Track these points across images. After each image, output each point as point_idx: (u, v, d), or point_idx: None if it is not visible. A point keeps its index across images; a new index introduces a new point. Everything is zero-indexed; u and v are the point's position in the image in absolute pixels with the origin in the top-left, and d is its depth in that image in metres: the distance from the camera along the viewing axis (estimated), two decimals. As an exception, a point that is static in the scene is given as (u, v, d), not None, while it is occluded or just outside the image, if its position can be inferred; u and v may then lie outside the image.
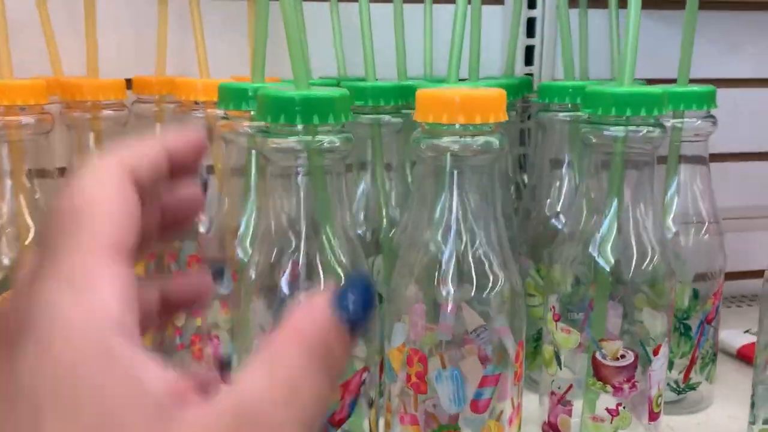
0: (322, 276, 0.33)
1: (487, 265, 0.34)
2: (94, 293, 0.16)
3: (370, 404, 0.35)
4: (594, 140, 0.40)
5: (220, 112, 0.50)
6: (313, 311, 0.17)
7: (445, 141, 0.33)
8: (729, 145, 0.68)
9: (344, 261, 0.34)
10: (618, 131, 0.38)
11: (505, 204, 0.50)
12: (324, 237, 0.33)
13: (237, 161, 0.43)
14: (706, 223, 0.48)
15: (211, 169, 0.52)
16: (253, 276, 0.35)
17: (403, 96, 0.46)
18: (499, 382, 0.34)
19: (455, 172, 0.34)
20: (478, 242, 0.34)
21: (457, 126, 0.32)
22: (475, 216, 0.34)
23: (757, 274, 0.71)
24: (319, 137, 0.32)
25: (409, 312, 0.35)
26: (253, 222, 0.43)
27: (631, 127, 0.38)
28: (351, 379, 0.34)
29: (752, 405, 0.42)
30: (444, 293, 0.34)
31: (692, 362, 0.49)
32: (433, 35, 0.59)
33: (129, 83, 0.54)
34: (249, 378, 0.16)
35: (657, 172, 0.40)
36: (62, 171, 0.51)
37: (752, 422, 0.42)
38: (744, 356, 0.57)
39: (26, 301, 0.16)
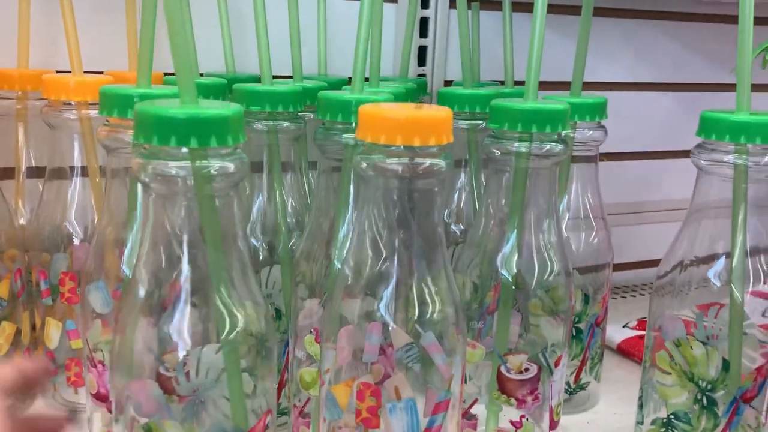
0: (210, 300, 0.30)
1: (427, 292, 0.33)
2: None
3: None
4: (498, 154, 0.39)
5: (96, 114, 0.45)
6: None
7: (389, 162, 0.31)
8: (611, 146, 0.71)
9: (235, 282, 0.31)
10: (522, 147, 0.38)
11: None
12: (211, 258, 0.30)
13: (117, 168, 0.39)
14: (594, 221, 0.50)
15: (84, 171, 0.47)
16: (141, 296, 0.31)
17: (302, 100, 0.44)
18: (449, 407, 0.33)
19: (397, 193, 0.32)
20: (417, 266, 0.33)
21: (400, 147, 0.30)
22: (416, 237, 0.33)
23: (636, 265, 0.77)
24: (208, 162, 0.28)
25: (339, 336, 0.34)
26: (137, 238, 0.39)
27: (535, 143, 0.38)
28: (255, 427, 0.31)
29: (640, 405, 0.44)
30: (383, 315, 0.33)
31: (583, 363, 0.51)
32: (327, 30, 0.57)
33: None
34: None
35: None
36: None
37: (640, 422, 0.44)
38: (624, 351, 0.60)
39: None
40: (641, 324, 0.62)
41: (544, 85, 0.45)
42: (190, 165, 0.28)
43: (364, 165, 0.32)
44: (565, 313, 0.41)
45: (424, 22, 0.63)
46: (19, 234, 0.48)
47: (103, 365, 0.39)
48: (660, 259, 0.43)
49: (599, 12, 0.67)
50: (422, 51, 0.64)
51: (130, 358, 0.31)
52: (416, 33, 0.62)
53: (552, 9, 0.64)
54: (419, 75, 0.64)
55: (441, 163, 0.31)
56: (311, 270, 0.43)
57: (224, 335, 0.31)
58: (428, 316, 0.34)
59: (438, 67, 0.64)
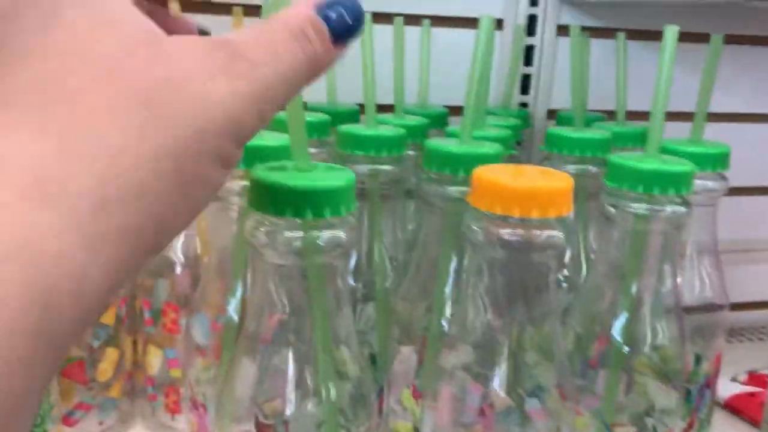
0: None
1: (535, 362, 0.32)
2: None
3: None
4: (614, 212, 0.37)
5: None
6: (298, 8, 0.20)
7: (503, 233, 0.30)
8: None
9: (340, 342, 0.31)
10: (641, 209, 0.36)
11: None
12: (318, 328, 0.30)
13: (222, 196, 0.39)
14: (708, 262, 0.46)
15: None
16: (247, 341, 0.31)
17: (405, 142, 0.43)
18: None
19: (511, 264, 0.31)
20: (527, 336, 0.32)
21: (514, 218, 0.29)
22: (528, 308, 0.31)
23: (746, 306, 0.72)
24: (319, 233, 0.28)
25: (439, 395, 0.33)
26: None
27: (656, 206, 0.36)
28: None
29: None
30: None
31: (690, 426, 0.47)
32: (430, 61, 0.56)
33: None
34: (235, 34, 0.19)
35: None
36: None
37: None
38: (732, 408, 0.56)
39: None
40: (752, 378, 0.58)
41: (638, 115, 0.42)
42: (303, 234, 0.28)
43: (475, 232, 0.31)
44: (678, 377, 0.38)
45: (528, 49, 0.61)
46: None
47: (205, 408, 0.39)
48: None
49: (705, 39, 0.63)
50: (525, 79, 0.62)
51: (232, 401, 0.32)
52: (521, 62, 0.60)
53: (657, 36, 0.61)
54: (521, 104, 0.62)
55: (558, 234, 0.30)
56: (408, 313, 0.42)
57: (327, 400, 0.30)
58: (534, 383, 0.32)
59: (542, 96, 0.62)
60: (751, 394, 0.56)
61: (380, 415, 0.45)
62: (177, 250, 0.48)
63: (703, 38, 0.46)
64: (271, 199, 0.27)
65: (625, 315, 0.38)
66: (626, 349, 0.37)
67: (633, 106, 0.55)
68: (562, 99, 0.63)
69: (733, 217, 0.68)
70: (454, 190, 0.37)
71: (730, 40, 0.45)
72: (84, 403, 0.47)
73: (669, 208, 0.36)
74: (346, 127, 0.43)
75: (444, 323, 0.39)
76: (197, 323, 0.43)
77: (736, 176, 0.46)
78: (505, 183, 0.29)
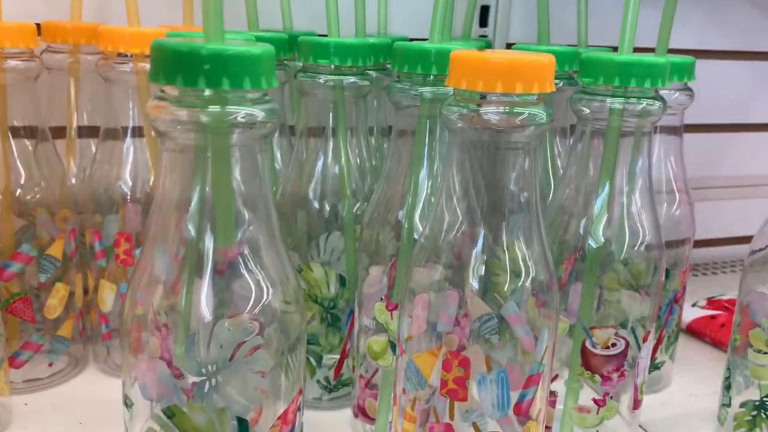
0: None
1: (521, 257, 0.30)
2: None
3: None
4: (587, 112, 0.37)
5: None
6: None
7: (484, 112, 0.28)
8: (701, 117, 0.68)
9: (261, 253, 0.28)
10: (616, 103, 0.35)
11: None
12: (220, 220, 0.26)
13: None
14: (678, 194, 0.47)
15: (140, 131, 0.45)
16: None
17: (370, 55, 0.41)
18: (541, 380, 0.31)
19: (491, 148, 0.29)
20: (512, 231, 0.30)
21: (496, 95, 0.28)
22: (515, 194, 0.30)
23: (706, 243, 0.73)
24: (231, 107, 0.24)
25: (414, 304, 0.31)
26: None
27: (631, 99, 0.35)
28: (288, 408, 0.29)
29: (727, 387, 0.41)
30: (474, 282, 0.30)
31: (659, 341, 0.48)
32: (387, -11, 0.54)
33: (38, 29, 0.46)
34: None
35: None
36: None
37: (726, 404, 0.41)
38: (695, 331, 0.57)
39: None
40: (711, 303, 0.59)
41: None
42: (218, 110, 0.24)
43: (453, 116, 0.29)
44: (655, 287, 0.38)
45: (486, -19, 0.60)
46: (71, 194, 0.46)
47: (167, 328, 0.37)
48: (726, 237, 0.40)
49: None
50: (484, 11, 0.61)
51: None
52: (479, -8, 0.59)
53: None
54: (480, 35, 0.61)
55: (542, 113, 0.28)
56: (376, 236, 0.41)
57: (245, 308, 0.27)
58: (520, 283, 0.31)
59: (501, 29, 0.61)
60: (712, 317, 0.57)
61: (350, 337, 0.43)
62: (128, 182, 0.46)
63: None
64: (177, 67, 0.23)
65: (600, 215, 0.37)
66: (602, 249, 0.37)
67: (594, 40, 0.54)
68: (519, 33, 0.62)
69: (690, 154, 0.69)
70: (427, 89, 0.36)
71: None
72: (31, 343, 0.44)
73: (644, 102, 0.35)
74: (309, 37, 0.41)
75: (415, 229, 0.37)
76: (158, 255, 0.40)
77: (694, 114, 0.47)
78: (486, 58, 0.28)
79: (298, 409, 0.29)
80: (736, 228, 0.74)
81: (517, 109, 0.28)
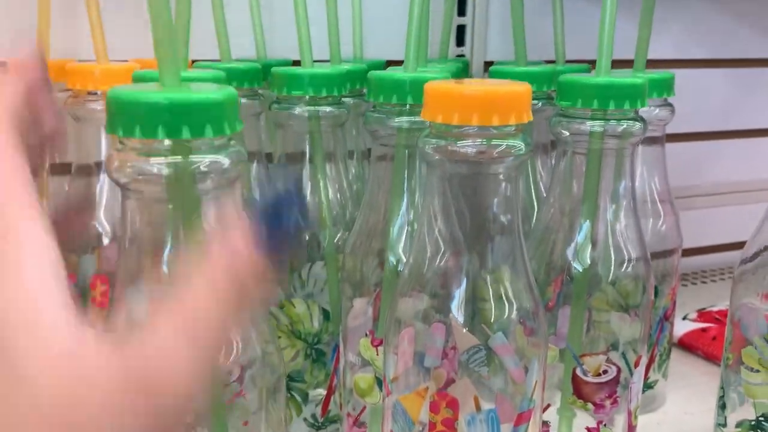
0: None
1: (506, 286, 0.30)
2: None
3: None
4: (567, 135, 0.36)
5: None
6: (227, 246, 0.19)
7: (461, 145, 0.27)
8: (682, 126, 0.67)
9: None
10: (596, 126, 0.35)
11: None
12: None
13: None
14: (661, 206, 0.46)
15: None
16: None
17: (346, 83, 0.41)
18: (532, 416, 0.30)
19: (470, 180, 0.29)
20: (496, 259, 0.30)
21: (474, 128, 0.27)
22: (492, 229, 0.29)
23: (693, 252, 0.73)
24: (195, 157, 0.23)
25: (400, 339, 0.30)
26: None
27: (611, 122, 0.34)
28: None
29: (721, 406, 0.41)
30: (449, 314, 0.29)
31: (651, 360, 0.47)
32: (362, 12, 0.53)
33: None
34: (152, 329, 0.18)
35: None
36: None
37: (722, 424, 0.41)
38: (687, 346, 0.56)
39: None
40: (701, 315, 0.59)
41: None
42: (179, 161, 0.23)
43: (430, 149, 0.28)
44: (644, 307, 0.38)
45: (460, 1, 0.59)
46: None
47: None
48: (714, 245, 0.39)
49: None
50: (460, 31, 0.60)
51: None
52: (455, 12, 0.58)
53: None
54: (458, 56, 0.60)
55: (520, 144, 0.28)
56: (360, 266, 0.40)
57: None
58: (505, 315, 0.30)
59: (478, 47, 0.60)
60: (703, 330, 0.56)
61: (335, 372, 0.42)
62: (102, 220, 0.44)
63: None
64: (134, 119, 0.22)
65: (584, 241, 0.36)
66: (588, 272, 0.36)
67: (572, 54, 0.54)
68: (497, 50, 0.61)
69: (673, 164, 0.69)
70: (403, 120, 0.35)
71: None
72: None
73: (624, 124, 0.35)
74: (283, 68, 0.40)
75: (398, 263, 0.37)
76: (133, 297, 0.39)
77: (676, 124, 0.46)
78: (461, 90, 0.27)
79: None
80: (724, 235, 0.74)
81: (494, 141, 0.27)
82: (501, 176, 0.29)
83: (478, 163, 0.28)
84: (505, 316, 0.31)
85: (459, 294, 0.31)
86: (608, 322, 0.38)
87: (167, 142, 0.23)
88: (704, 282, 0.72)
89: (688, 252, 0.72)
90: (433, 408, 0.29)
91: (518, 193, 0.30)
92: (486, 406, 0.29)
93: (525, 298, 0.30)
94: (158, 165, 0.23)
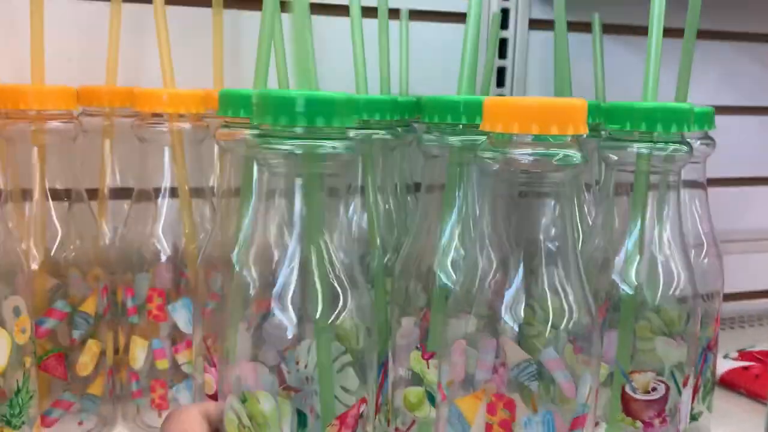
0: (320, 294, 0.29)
1: (559, 301, 0.31)
2: None
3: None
4: (615, 159, 0.37)
5: (188, 127, 0.45)
6: None
7: (519, 154, 0.29)
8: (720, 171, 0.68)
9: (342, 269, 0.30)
10: (643, 148, 0.36)
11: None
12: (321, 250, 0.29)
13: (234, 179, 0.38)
14: (706, 247, 0.47)
15: (173, 192, 0.46)
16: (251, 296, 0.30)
17: (397, 110, 0.43)
18: (586, 423, 0.30)
19: (526, 189, 0.30)
20: (550, 275, 0.30)
21: (530, 137, 0.28)
22: (549, 239, 0.30)
23: (734, 296, 0.73)
24: (320, 142, 0.28)
25: (452, 351, 0.31)
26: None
27: (659, 145, 0.36)
28: (348, 411, 0.29)
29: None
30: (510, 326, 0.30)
31: (695, 390, 0.47)
32: (409, 53, 0.56)
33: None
34: None
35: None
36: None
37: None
38: (728, 384, 0.56)
39: None
40: (743, 355, 0.58)
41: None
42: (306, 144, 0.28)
43: (488, 159, 0.30)
44: (691, 332, 0.38)
45: (502, 42, 0.62)
46: (104, 253, 0.47)
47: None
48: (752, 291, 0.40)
49: (675, 33, 0.65)
50: (501, 72, 0.63)
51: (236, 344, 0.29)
52: (496, 54, 0.61)
53: (626, 30, 0.63)
54: (498, 95, 0.63)
55: (576, 154, 0.29)
56: (406, 288, 0.41)
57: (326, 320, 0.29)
58: (560, 327, 0.31)
59: (518, 88, 0.62)
60: (745, 368, 0.56)
61: (382, 390, 0.43)
62: (161, 239, 0.46)
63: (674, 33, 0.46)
64: (276, 110, 0.27)
65: (631, 260, 0.37)
66: (637, 293, 0.37)
67: (610, 97, 0.56)
68: (536, 92, 0.63)
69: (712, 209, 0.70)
70: (455, 139, 0.37)
71: (701, 35, 0.46)
72: (62, 401, 0.44)
73: (671, 146, 0.36)
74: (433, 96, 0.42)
75: (448, 279, 0.38)
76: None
77: (716, 167, 0.47)
78: (521, 102, 0.29)
79: (360, 417, 0.30)
80: (762, 281, 0.74)
81: (552, 150, 0.29)
82: (557, 188, 0.30)
83: (536, 172, 0.29)
84: (558, 330, 0.31)
85: (510, 308, 0.31)
86: (653, 349, 0.39)
87: (299, 129, 0.27)
88: (742, 326, 0.71)
89: (728, 297, 0.72)
90: (491, 410, 0.30)
91: (573, 209, 0.31)
92: (542, 408, 0.30)
93: (580, 313, 0.31)
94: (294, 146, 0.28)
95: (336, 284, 0.29)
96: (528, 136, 0.29)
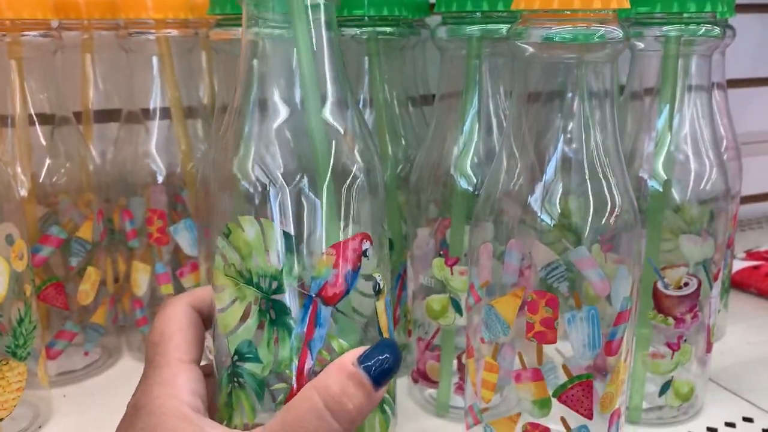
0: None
1: (607, 189, 0.29)
2: (177, 390, 0.24)
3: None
4: (641, 47, 0.35)
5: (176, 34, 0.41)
6: (338, 367, 0.23)
7: (558, 30, 0.26)
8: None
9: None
10: (673, 30, 0.34)
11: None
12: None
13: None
14: (726, 146, 0.45)
15: (166, 110, 0.43)
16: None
17: (402, 5, 0.39)
18: (629, 317, 0.29)
19: (564, 71, 0.28)
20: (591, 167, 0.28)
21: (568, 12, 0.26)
22: (591, 126, 0.28)
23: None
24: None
25: (479, 253, 0.30)
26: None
27: (690, 26, 0.34)
28: (345, 242, 0.24)
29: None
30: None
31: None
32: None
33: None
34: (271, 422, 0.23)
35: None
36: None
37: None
38: (738, 284, 0.55)
39: (140, 395, 0.24)
40: (750, 255, 0.58)
41: None
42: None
43: (526, 41, 0.27)
44: (720, 228, 0.37)
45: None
46: (95, 178, 0.44)
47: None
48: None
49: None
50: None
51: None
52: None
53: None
54: None
55: (618, 30, 0.27)
56: (418, 198, 0.39)
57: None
58: (604, 221, 0.29)
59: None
60: (755, 267, 0.55)
61: (400, 302, 0.41)
62: (156, 159, 0.43)
63: None
64: None
65: (660, 152, 0.36)
66: (661, 186, 0.35)
67: None
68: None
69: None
70: (475, 28, 0.34)
71: None
72: (65, 332, 0.42)
73: (702, 27, 0.34)
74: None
75: (468, 183, 0.36)
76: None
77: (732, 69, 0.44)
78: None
79: (364, 255, 0.25)
80: (763, 185, 0.73)
81: (594, 26, 0.27)
82: (596, 67, 0.28)
83: (576, 51, 0.27)
84: (599, 224, 0.29)
85: (542, 205, 0.29)
86: (677, 248, 0.37)
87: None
88: (743, 230, 0.71)
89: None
90: (532, 308, 0.28)
91: (613, 87, 0.29)
92: (586, 303, 0.28)
93: (625, 205, 0.29)
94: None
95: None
96: (569, 10, 0.26)
